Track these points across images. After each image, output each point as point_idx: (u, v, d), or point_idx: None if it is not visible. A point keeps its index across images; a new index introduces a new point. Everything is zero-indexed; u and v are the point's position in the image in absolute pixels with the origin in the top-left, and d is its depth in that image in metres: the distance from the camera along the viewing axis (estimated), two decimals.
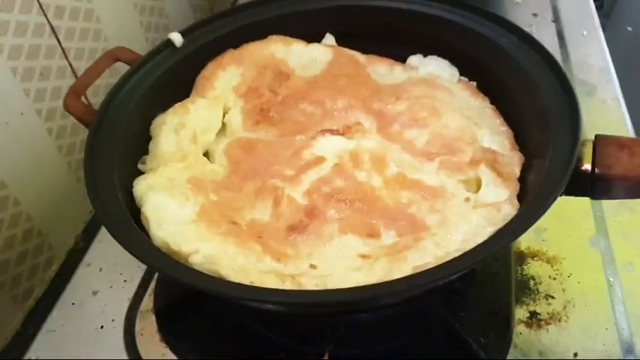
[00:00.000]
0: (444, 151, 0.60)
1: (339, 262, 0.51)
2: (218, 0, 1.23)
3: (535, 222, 0.46)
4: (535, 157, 0.56)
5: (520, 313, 0.66)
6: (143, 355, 0.64)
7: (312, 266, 0.51)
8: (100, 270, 0.74)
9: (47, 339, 0.68)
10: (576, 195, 0.50)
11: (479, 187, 0.57)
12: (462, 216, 0.53)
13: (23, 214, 0.73)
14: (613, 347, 0.63)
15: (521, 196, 0.55)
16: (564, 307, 0.66)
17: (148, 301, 0.69)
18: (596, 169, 0.50)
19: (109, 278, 0.73)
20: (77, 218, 0.83)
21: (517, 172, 0.57)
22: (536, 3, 1.16)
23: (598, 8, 1.17)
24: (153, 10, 0.97)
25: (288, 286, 0.48)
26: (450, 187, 0.57)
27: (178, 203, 0.54)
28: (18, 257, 0.73)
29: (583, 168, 0.50)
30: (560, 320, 0.65)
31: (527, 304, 0.67)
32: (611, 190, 0.51)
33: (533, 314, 0.66)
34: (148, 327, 0.67)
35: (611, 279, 0.69)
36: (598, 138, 0.51)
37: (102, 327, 0.68)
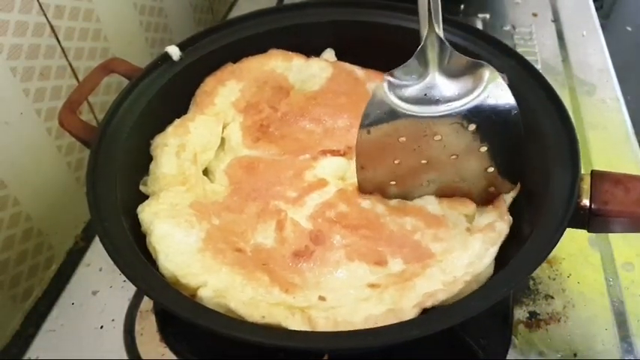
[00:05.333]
0: None
1: (348, 293, 0.52)
2: (218, 0, 1.23)
3: (537, 267, 0.49)
4: (533, 186, 0.58)
5: (520, 313, 0.66)
6: (143, 355, 0.64)
7: (322, 298, 0.51)
8: (100, 270, 0.74)
9: (47, 339, 0.68)
10: (573, 227, 0.51)
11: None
12: (465, 244, 0.54)
13: (23, 214, 0.73)
14: (613, 347, 0.63)
15: (517, 224, 0.56)
16: (564, 307, 0.66)
17: (148, 301, 0.69)
18: (593, 205, 0.51)
19: (109, 278, 0.73)
20: (77, 218, 0.83)
21: (506, 198, 0.59)
22: (536, 3, 1.16)
23: (598, 8, 1.17)
24: (152, 9, 0.97)
25: (297, 319, 0.49)
26: (452, 218, 0.58)
27: (184, 231, 0.55)
28: (17, 257, 0.73)
29: (582, 204, 0.51)
30: (559, 320, 0.65)
31: (527, 305, 0.67)
32: (607, 225, 0.52)
33: (533, 314, 0.66)
34: (148, 327, 0.67)
35: (611, 279, 0.69)
36: (594, 174, 0.52)
37: (102, 327, 0.68)
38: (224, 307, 0.50)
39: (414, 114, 0.55)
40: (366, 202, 0.59)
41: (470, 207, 0.58)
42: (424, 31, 0.55)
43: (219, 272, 0.52)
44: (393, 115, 0.55)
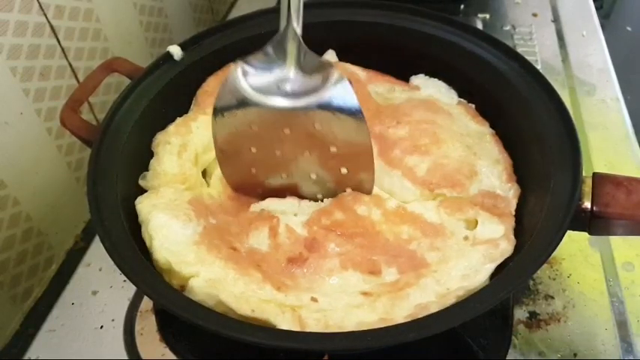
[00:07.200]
0: (444, 183, 0.60)
1: (341, 298, 0.51)
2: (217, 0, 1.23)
3: (537, 271, 0.48)
4: (533, 190, 0.58)
5: (519, 313, 0.66)
6: (143, 355, 0.64)
7: (314, 299, 0.51)
8: (100, 270, 0.74)
9: (47, 339, 0.68)
10: (574, 230, 0.51)
11: (477, 222, 0.58)
12: (461, 253, 0.54)
13: (23, 214, 0.73)
14: (613, 347, 0.63)
15: (516, 228, 0.56)
16: (564, 308, 0.66)
17: (147, 301, 0.69)
18: (594, 207, 0.51)
19: (108, 278, 0.73)
20: (77, 218, 0.83)
21: (513, 206, 0.58)
22: (536, 3, 1.16)
23: (597, 8, 1.17)
24: (152, 9, 0.97)
25: (288, 317, 0.48)
26: (450, 226, 0.58)
27: (181, 223, 0.55)
28: (17, 257, 0.73)
29: (583, 206, 0.51)
30: (559, 320, 0.65)
31: (527, 305, 0.67)
32: (608, 228, 0.52)
33: (533, 314, 0.66)
34: (148, 327, 0.67)
35: (611, 279, 0.69)
36: (595, 176, 0.52)
37: (102, 327, 0.68)
38: (214, 298, 0.49)
39: (263, 104, 0.55)
40: (362, 209, 0.59)
41: (468, 212, 0.58)
42: (283, 23, 0.56)
43: (212, 265, 0.52)
44: (244, 102, 0.55)
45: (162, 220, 0.54)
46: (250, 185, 0.62)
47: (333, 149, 0.56)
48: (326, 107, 0.54)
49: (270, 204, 0.61)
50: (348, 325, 0.48)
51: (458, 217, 0.58)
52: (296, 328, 0.48)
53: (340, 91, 0.53)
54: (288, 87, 0.55)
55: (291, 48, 0.55)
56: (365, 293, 0.52)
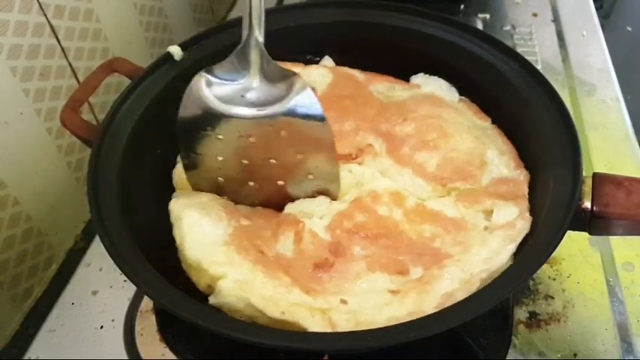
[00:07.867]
0: (456, 177, 0.60)
1: (370, 297, 0.52)
2: None
3: (537, 271, 0.48)
4: (533, 190, 0.58)
5: (519, 313, 0.66)
6: (143, 355, 0.64)
7: (343, 301, 0.51)
8: (100, 270, 0.74)
9: (47, 339, 0.68)
10: (574, 230, 0.51)
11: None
12: (483, 242, 0.54)
13: (23, 214, 0.73)
14: (613, 347, 0.63)
15: None
16: (564, 308, 0.66)
17: (148, 301, 0.69)
18: (594, 208, 0.51)
19: (108, 278, 0.73)
20: (77, 218, 0.83)
21: (525, 189, 0.58)
22: (536, 3, 1.16)
23: (597, 8, 1.17)
24: (152, 9, 0.97)
25: (317, 320, 0.49)
26: (470, 219, 0.58)
27: (213, 222, 0.55)
28: (17, 257, 0.73)
29: (583, 206, 0.51)
30: (559, 320, 0.65)
31: (527, 305, 0.67)
32: (608, 228, 0.52)
33: (533, 314, 0.66)
34: (148, 327, 0.67)
35: (611, 279, 0.69)
36: (595, 176, 0.52)
37: (102, 327, 0.68)
38: (244, 300, 0.49)
39: (227, 114, 0.56)
40: (383, 209, 0.58)
41: (486, 202, 0.58)
42: (245, 33, 0.56)
43: (241, 267, 0.52)
44: (208, 112, 0.56)
45: (194, 218, 0.55)
46: (218, 193, 0.62)
47: (299, 156, 0.57)
48: (291, 115, 0.54)
49: (300, 204, 0.61)
50: (379, 321, 0.49)
51: (476, 208, 0.58)
52: (327, 330, 0.48)
53: (304, 99, 0.54)
54: (252, 96, 0.56)
55: (254, 57, 0.56)
56: (393, 291, 0.52)
